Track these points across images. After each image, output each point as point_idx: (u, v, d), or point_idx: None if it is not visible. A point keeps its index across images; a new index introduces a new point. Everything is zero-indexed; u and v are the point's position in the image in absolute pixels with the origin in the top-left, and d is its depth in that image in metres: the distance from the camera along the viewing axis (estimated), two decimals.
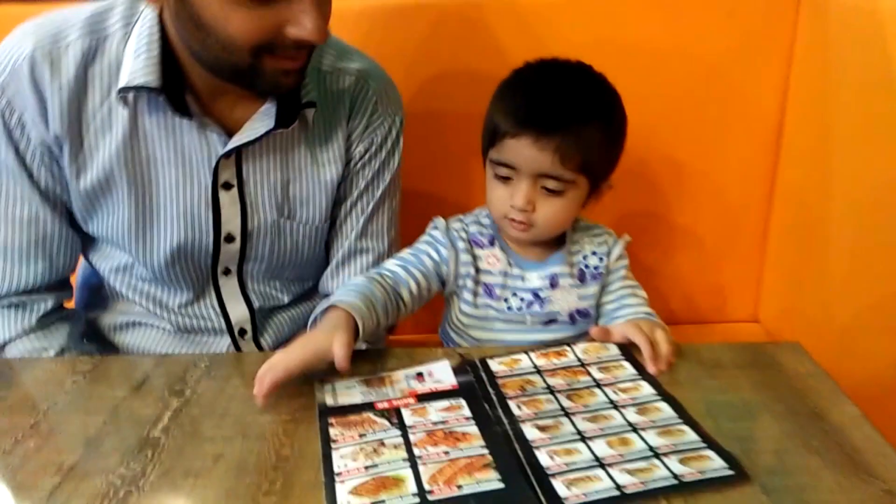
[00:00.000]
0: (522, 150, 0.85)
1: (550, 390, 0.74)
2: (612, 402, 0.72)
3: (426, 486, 0.59)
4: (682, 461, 0.62)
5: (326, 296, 1.01)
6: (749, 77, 1.24)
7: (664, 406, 0.71)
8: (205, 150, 0.88)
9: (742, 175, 1.30)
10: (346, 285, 0.89)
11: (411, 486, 0.59)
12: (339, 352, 0.72)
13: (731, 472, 0.61)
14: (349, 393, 0.74)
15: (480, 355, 0.81)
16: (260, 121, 0.87)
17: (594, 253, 0.95)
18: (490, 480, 0.60)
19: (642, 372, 0.77)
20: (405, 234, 1.04)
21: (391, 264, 0.94)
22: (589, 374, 0.77)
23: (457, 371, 0.78)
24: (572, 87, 0.88)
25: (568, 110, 0.85)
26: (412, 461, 0.63)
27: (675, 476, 0.60)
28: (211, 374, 0.79)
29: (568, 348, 0.83)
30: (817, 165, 1.15)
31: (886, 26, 0.97)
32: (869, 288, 1.04)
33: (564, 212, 0.90)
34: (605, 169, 0.91)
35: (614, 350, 0.82)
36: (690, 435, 0.66)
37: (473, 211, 1.00)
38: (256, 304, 1.01)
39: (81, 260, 1.03)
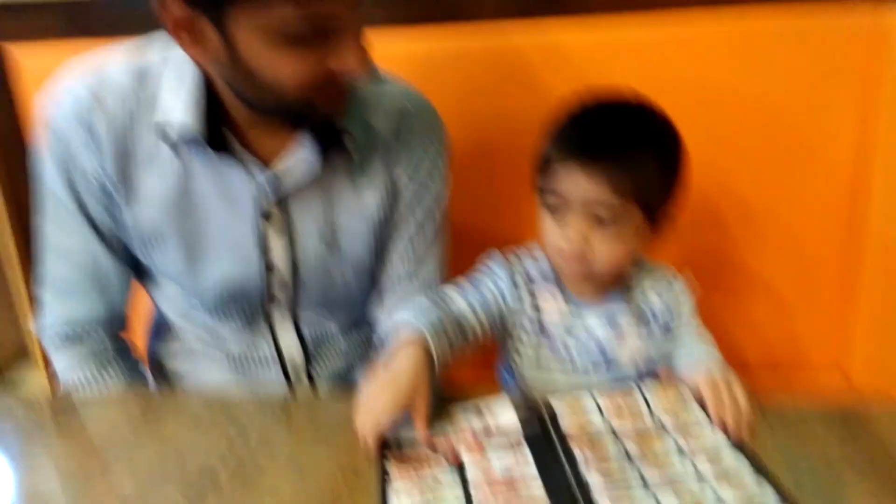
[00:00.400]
0: (573, 179, 0.82)
1: (615, 434, 0.72)
2: (680, 448, 0.69)
3: None
4: None
5: (377, 327, 1.02)
6: (824, 118, 1.19)
7: (741, 464, 0.67)
8: (249, 185, 0.89)
9: (818, 218, 1.24)
10: (413, 307, 0.86)
11: None
12: (419, 423, 0.72)
13: None
14: (407, 426, 0.72)
15: (541, 396, 0.78)
16: (303, 156, 0.87)
17: (658, 294, 0.91)
18: None
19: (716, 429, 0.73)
20: (455, 272, 1.02)
21: (452, 292, 0.91)
22: (663, 441, 0.72)
23: (518, 411, 0.75)
24: (623, 114, 0.86)
25: (618, 136, 0.83)
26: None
27: None
28: (268, 412, 0.78)
29: (635, 389, 0.79)
30: None
31: None
32: None
33: (620, 245, 0.85)
34: (660, 199, 0.86)
35: (685, 392, 0.79)
36: (767, 491, 0.62)
37: (529, 246, 0.96)
38: (308, 336, 1.01)
39: (151, 308, 1.06)
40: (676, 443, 0.70)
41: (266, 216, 0.91)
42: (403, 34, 1.21)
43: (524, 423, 0.74)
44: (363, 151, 0.92)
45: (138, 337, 1.06)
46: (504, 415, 0.75)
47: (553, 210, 0.86)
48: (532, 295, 0.91)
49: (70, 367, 0.95)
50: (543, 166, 0.86)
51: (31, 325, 0.98)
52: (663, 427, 0.73)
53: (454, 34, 1.21)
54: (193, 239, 0.91)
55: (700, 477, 0.64)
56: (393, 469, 0.66)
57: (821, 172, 1.21)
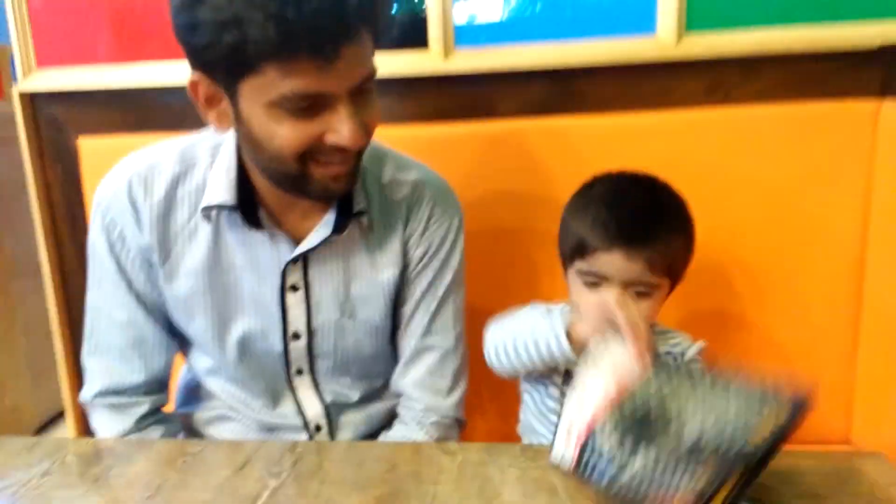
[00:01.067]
0: (614, 263, 0.93)
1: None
2: None
3: None
4: None
5: (398, 395, 1.08)
6: (830, 193, 1.27)
7: None
8: (275, 257, 0.98)
9: (825, 292, 1.30)
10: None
11: None
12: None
13: None
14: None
15: None
16: (321, 229, 0.96)
17: (668, 353, 0.99)
18: None
19: None
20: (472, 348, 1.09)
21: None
22: None
23: None
24: (653, 200, 0.97)
25: (654, 224, 0.94)
26: None
27: None
28: (305, 459, 0.85)
29: None
30: None
31: None
32: None
33: (651, 311, 0.96)
34: (684, 269, 0.99)
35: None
36: None
37: (559, 304, 1.05)
38: (329, 401, 1.08)
39: (183, 364, 1.14)
40: None
41: (290, 287, 0.99)
42: (431, 128, 1.34)
43: None
44: (381, 230, 1.01)
45: (171, 401, 1.14)
46: None
47: (592, 285, 0.96)
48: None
49: (111, 430, 1.03)
50: (581, 249, 0.95)
51: (66, 391, 1.06)
52: None
53: (478, 128, 1.34)
54: (223, 307, 1.00)
55: None
56: None
57: (826, 247, 1.28)
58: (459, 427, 1.11)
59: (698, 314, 1.17)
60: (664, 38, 1.31)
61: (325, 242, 0.97)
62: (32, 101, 1.48)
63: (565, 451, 0.76)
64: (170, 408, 1.14)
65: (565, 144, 1.31)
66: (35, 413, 2.51)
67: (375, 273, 1.02)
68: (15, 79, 1.46)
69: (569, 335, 0.92)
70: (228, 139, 0.96)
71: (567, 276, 1.01)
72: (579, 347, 0.91)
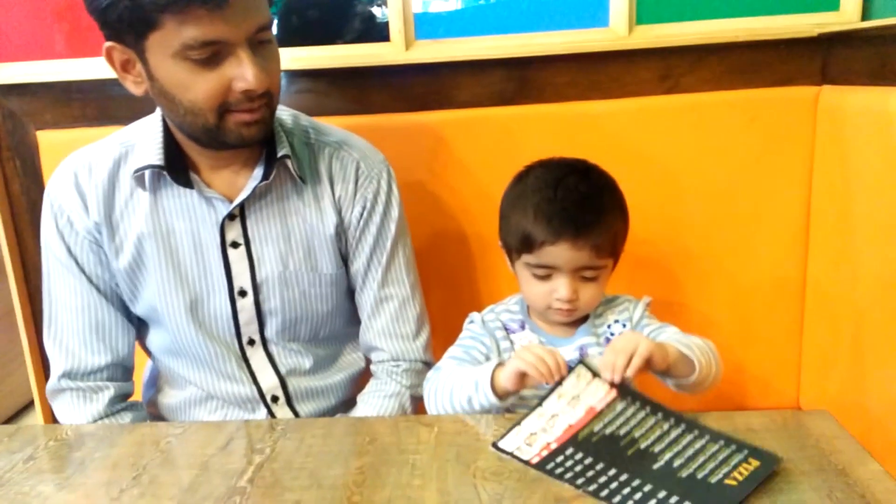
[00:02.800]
0: (562, 254, 0.96)
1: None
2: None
3: None
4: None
5: (367, 349, 1.14)
6: (774, 176, 1.35)
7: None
8: (212, 215, 1.02)
9: (772, 271, 1.38)
10: (431, 380, 1.01)
11: None
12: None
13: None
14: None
15: None
16: (251, 182, 1.01)
17: (617, 321, 1.04)
18: None
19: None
20: (445, 325, 1.14)
21: (447, 363, 1.03)
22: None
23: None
24: (589, 187, 1.00)
25: (595, 210, 0.98)
26: None
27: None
28: (287, 435, 0.88)
29: None
30: (844, 257, 1.23)
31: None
32: None
33: (600, 292, 1.01)
34: (622, 247, 1.03)
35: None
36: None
37: (503, 301, 1.10)
38: (283, 370, 1.11)
39: (148, 363, 1.17)
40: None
41: (231, 243, 1.03)
42: (394, 117, 1.38)
43: None
44: (311, 180, 1.05)
45: (137, 388, 1.16)
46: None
47: (542, 278, 0.99)
48: (512, 343, 1.04)
49: (81, 416, 1.04)
50: (526, 243, 0.98)
51: (34, 382, 1.07)
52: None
53: (439, 117, 1.38)
54: (168, 272, 1.03)
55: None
56: None
57: (773, 226, 1.36)
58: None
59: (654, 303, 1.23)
60: (616, 29, 1.37)
61: (259, 197, 1.02)
62: None
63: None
64: (136, 398, 1.15)
65: (523, 132, 1.36)
66: (1, 406, 2.47)
67: (313, 223, 1.06)
68: None
69: (494, 385, 0.91)
70: (158, 115, 1.01)
71: (514, 267, 1.05)
72: (505, 395, 0.92)
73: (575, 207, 0.97)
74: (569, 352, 1.02)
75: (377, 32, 1.41)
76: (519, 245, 1.00)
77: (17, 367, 2.52)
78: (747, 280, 1.39)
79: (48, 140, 1.44)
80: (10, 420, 2.50)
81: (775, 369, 1.41)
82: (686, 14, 1.38)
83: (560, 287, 0.98)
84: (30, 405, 2.57)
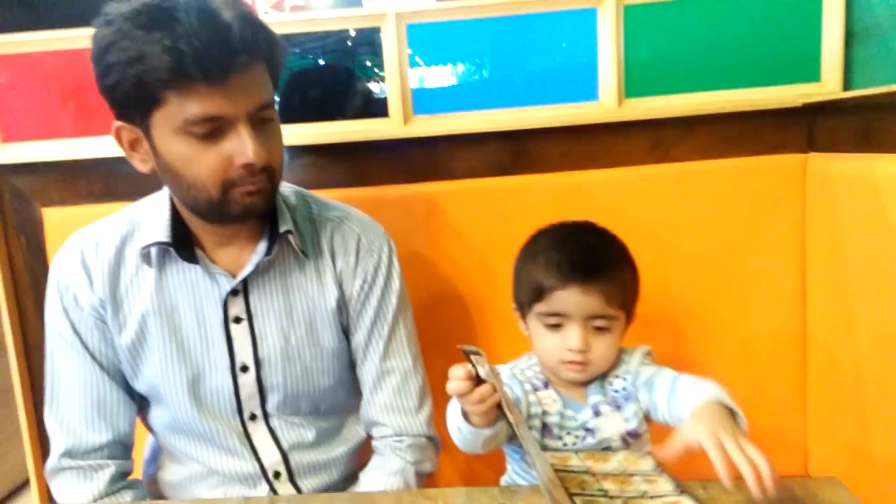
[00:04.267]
0: (572, 298, 0.98)
1: (605, 495, 0.83)
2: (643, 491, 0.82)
3: None
4: None
5: (369, 424, 1.12)
6: (767, 239, 1.38)
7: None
8: (215, 291, 1.03)
9: (771, 332, 1.39)
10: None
11: None
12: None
13: None
14: None
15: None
16: (254, 257, 1.03)
17: (617, 377, 1.05)
18: None
19: (680, 485, 0.86)
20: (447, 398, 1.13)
21: None
22: (632, 485, 0.86)
23: None
24: (599, 239, 1.04)
25: (604, 258, 1.00)
26: None
27: None
28: None
29: (611, 453, 0.93)
30: (842, 314, 1.24)
31: (881, 187, 1.10)
32: None
33: (613, 346, 1.02)
34: (635, 305, 1.05)
35: (651, 464, 0.91)
36: None
37: (520, 358, 1.10)
38: (286, 444, 1.10)
39: (149, 439, 1.17)
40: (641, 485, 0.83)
41: (233, 319, 1.04)
42: (395, 189, 1.41)
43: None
44: (313, 255, 1.07)
45: (137, 465, 1.15)
46: None
47: (553, 328, 1.01)
48: (539, 400, 1.04)
49: (81, 496, 1.03)
50: (538, 292, 1.01)
51: (30, 460, 1.06)
52: (642, 494, 0.84)
53: (438, 188, 1.42)
54: (171, 349, 1.04)
55: None
56: None
57: (769, 288, 1.38)
58: (435, 447, 1.15)
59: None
60: (606, 102, 1.42)
61: (262, 272, 1.04)
62: None
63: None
64: (134, 476, 1.14)
65: (519, 202, 1.40)
66: None
67: (315, 298, 1.07)
68: None
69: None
70: (164, 193, 1.04)
71: (527, 325, 1.06)
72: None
73: (584, 255, 1.01)
74: (585, 413, 1.02)
75: (376, 108, 1.45)
76: (531, 296, 1.02)
77: (12, 445, 2.49)
78: (749, 337, 1.40)
79: (53, 217, 1.47)
80: (4, 501, 2.45)
81: (782, 431, 1.40)
82: (673, 87, 1.43)
83: (571, 337, 0.99)
84: (25, 485, 2.52)
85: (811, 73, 1.41)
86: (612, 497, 0.82)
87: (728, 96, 1.42)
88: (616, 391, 1.04)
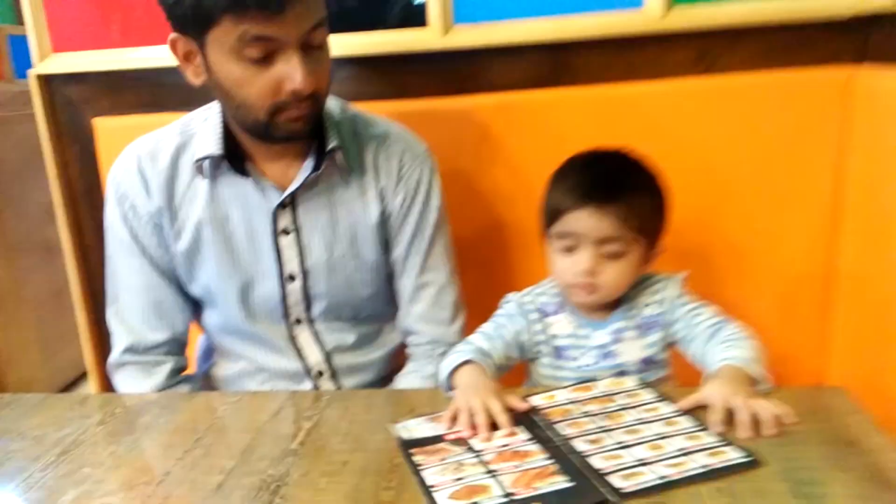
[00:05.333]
0: (587, 220, 0.99)
1: (588, 414, 0.87)
2: (641, 419, 0.85)
3: (509, 490, 0.72)
4: (707, 455, 0.76)
5: (405, 332, 1.19)
6: (807, 156, 1.36)
7: (684, 419, 0.84)
8: (265, 204, 1.08)
9: (799, 253, 1.39)
10: (454, 350, 1.02)
11: (497, 490, 0.72)
12: (517, 404, 0.88)
13: (749, 459, 0.74)
14: (420, 429, 0.86)
15: (524, 394, 0.93)
16: (302, 172, 1.07)
17: (648, 304, 1.06)
18: (560, 482, 0.73)
19: (662, 396, 0.91)
20: (481, 310, 1.16)
21: (476, 336, 1.07)
22: (615, 401, 0.91)
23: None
24: (621, 165, 1.04)
25: (621, 182, 1.01)
26: (492, 473, 0.75)
27: (704, 466, 0.74)
28: (332, 405, 0.94)
29: (592, 384, 0.97)
30: (876, 240, 1.24)
31: None
32: None
33: (625, 273, 1.02)
34: (656, 232, 1.05)
35: (632, 383, 0.96)
36: (709, 437, 0.79)
37: (541, 283, 1.13)
38: (328, 347, 1.17)
39: (201, 337, 1.24)
40: (637, 415, 0.87)
41: (281, 230, 1.10)
42: (434, 101, 1.42)
43: (515, 416, 0.87)
44: (357, 170, 1.11)
45: (191, 361, 1.24)
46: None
47: (567, 250, 1.03)
48: (546, 326, 1.08)
49: (142, 387, 1.12)
50: (555, 214, 1.03)
51: (89, 357, 1.14)
52: (624, 407, 0.89)
53: (476, 101, 1.42)
54: (223, 256, 1.10)
55: (661, 436, 0.81)
56: (422, 460, 0.79)
57: (800, 209, 1.37)
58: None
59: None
60: (651, 11, 1.39)
61: (309, 187, 1.08)
62: (48, 84, 1.54)
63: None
64: (189, 371, 1.22)
65: (558, 115, 1.39)
66: (46, 386, 2.61)
67: (358, 213, 1.12)
68: (15, 61, 1.51)
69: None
70: (217, 106, 1.08)
71: (548, 247, 1.08)
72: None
73: (601, 179, 1.01)
74: (603, 336, 1.05)
75: (416, 17, 1.44)
76: (549, 217, 1.04)
77: (67, 342, 2.66)
78: (779, 263, 1.40)
79: (104, 126, 1.52)
80: (62, 391, 2.63)
81: (805, 350, 1.42)
82: None
83: (580, 259, 1.00)
84: (79, 379, 2.71)
85: None
86: (593, 415, 0.87)
87: (778, 5, 1.37)
88: (646, 317, 1.06)
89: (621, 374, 1.03)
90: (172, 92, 1.49)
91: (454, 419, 0.87)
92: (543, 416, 0.87)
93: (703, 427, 0.82)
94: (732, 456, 0.75)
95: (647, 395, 0.92)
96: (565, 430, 0.83)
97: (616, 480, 0.72)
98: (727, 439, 0.79)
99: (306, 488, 0.75)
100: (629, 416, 0.86)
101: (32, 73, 1.52)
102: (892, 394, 1.15)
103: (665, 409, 0.88)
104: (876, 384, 1.21)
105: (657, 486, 0.71)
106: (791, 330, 1.42)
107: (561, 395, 0.93)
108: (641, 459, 0.76)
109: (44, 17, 1.51)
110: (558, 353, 1.07)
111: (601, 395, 0.93)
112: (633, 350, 1.05)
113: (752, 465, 0.74)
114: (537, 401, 0.92)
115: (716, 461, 0.74)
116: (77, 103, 1.55)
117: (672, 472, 0.73)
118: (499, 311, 1.11)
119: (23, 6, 1.49)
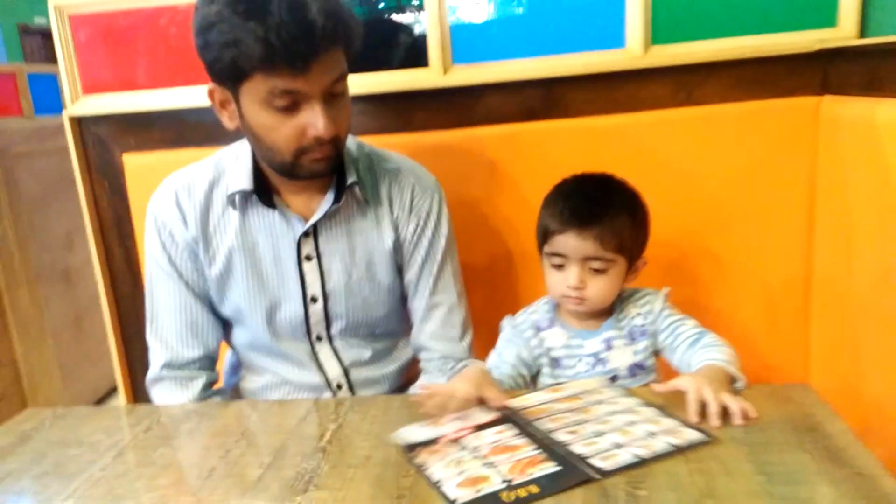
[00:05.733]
0: (569, 242, 1.13)
1: (562, 411, 0.99)
2: (610, 411, 0.98)
3: (507, 477, 0.83)
4: (670, 436, 0.89)
5: (418, 349, 1.30)
6: (780, 178, 1.49)
7: (645, 409, 0.98)
8: (290, 233, 1.21)
9: (778, 265, 1.52)
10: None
11: (497, 478, 0.83)
12: (495, 394, 0.99)
13: (706, 438, 0.88)
14: (417, 434, 0.96)
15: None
16: (324, 204, 1.20)
17: (638, 314, 1.19)
18: (550, 467, 0.85)
19: (624, 392, 1.04)
20: (488, 328, 1.30)
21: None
22: (583, 399, 1.03)
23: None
24: (601, 189, 1.18)
25: (601, 207, 1.14)
26: (489, 465, 0.86)
27: (670, 444, 0.87)
28: (354, 409, 1.06)
29: (561, 385, 1.09)
30: (846, 251, 1.34)
31: (882, 131, 1.19)
32: None
33: (609, 286, 1.16)
34: (636, 249, 1.18)
35: (598, 383, 1.08)
36: (670, 421, 0.93)
37: (534, 303, 1.27)
38: (346, 361, 1.29)
39: (228, 353, 1.36)
40: (607, 409, 0.99)
41: (305, 257, 1.22)
42: (435, 135, 1.56)
43: (502, 416, 0.98)
44: (373, 202, 1.23)
45: (220, 375, 1.35)
46: (480, 414, 1.00)
47: (558, 267, 1.16)
48: (541, 339, 1.21)
49: (178, 400, 1.23)
50: (545, 235, 1.17)
51: (120, 378, 1.29)
52: (594, 402, 1.02)
53: (475, 133, 1.56)
54: (252, 281, 1.22)
55: (631, 423, 0.94)
56: (425, 460, 0.89)
57: (778, 224, 1.50)
58: None
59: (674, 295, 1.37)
60: (632, 50, 1.52)
61: (329, 217, 1.20)
62: (80, 124, 1.67)
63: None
64: (219, 385, 1.34)
65: (548, 144, 1.53)
66: (82, 396, 2.73)
67: (373, 241, 1.24)
68: (40, 106, 1.61)
69: None
70: (246, 145, 1.20)
71: (543, 263, 1.22)
72: None
73: (582, 204, 1.15)
74: (595, 344, 1.18)
75: (418, 56, 1.57)
76: (541, 237, 1.19)
77: (77, 374, 2.78)
78: (759, 275, 1.53)
79: (132, 162, 1.65)
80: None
81: (786, 357, 1.54)
82: (697, 34, 1.52)
83: (569, 275, 1.14)
84: (99, 402, 2.83)
85: (828, 18, 1.48)
86: (568, 411, 0.99)
87: (747, 41, 1.50)
88: (634, 326, 1.19)
89: (614, 378, 1.16)
90: (195, 130, 1.63)
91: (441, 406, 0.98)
92: (523, 416, 0.99)
93: (663, 413, 0.95)
94: (691, 437, 0.89)
95: (610, 392, 1.05)
96: (546, 424, 0.95)
97: (597, 462, 0.84)
98: (685, 422, 0.92)
99: (336, 478, 0.86)
100: (599, 410, 0.99)
101: (66, 114, 1.65)
102: (866, 397, 1.25)
103: (627, 401, 1.01)
104: (851, 388, 1.32)
105: (633, 463, 0.84)
106: (774, 337, 1.54)
107: (534, 398, 1.05)
108: (616, 443, 0.89)
109: (75, 62, 1.64)
110: (555, 363, 1.19)
111: (570, 395, 1.05)
112: (624, 356, 1.17)
113: (709, 442, 0.87)
114: (516, 403, 1.03)
115: (679, 440, 0.88)
116: (107, 141, 1.68)
117: (644, 451, 0.86)
118: (500, 338, 1.25)
119: (57, 52, 1.62)
